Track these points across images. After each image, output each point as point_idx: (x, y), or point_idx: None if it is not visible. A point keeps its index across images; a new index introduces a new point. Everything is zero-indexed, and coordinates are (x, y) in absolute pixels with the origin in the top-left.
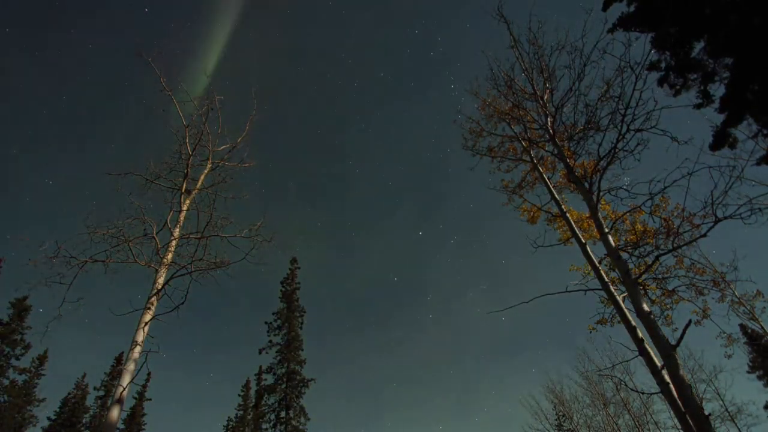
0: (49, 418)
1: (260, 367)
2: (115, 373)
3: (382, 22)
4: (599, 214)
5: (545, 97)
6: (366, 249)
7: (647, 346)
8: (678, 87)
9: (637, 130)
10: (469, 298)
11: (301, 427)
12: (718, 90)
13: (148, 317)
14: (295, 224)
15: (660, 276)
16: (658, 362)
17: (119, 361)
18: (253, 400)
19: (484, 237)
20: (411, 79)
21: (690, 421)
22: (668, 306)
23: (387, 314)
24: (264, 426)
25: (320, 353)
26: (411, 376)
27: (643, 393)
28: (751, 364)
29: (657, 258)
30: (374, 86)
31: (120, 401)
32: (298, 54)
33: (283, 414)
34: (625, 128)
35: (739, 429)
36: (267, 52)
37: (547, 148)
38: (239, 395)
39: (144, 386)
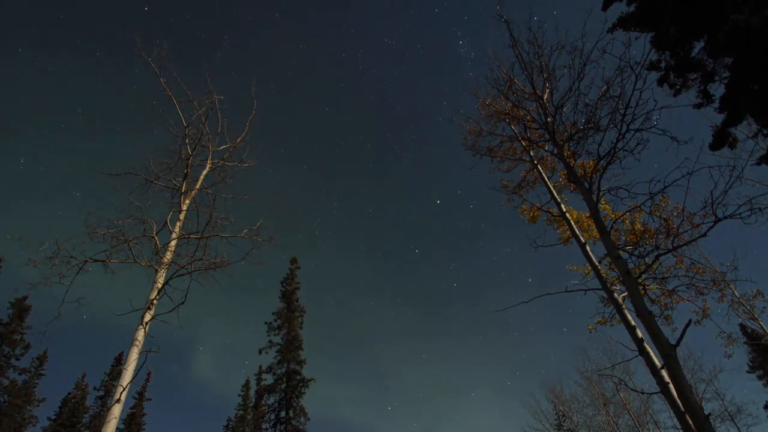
0: (49, 418)
1: (260, 367)
2: (115, 373)
3: None
4: (599, 213)
5: (545, 97)
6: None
7: (647, 346)
8: (678, 87)
9: (637, 130)
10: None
11: (301, 427)
12: (718, 90)
13: (148, 317)
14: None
15: (660, 276)
16: (658, 362)
17: (119, 361)
18: (253, 400)
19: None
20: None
21: (690, 421)
22: (668, 306)
23: None
24: (264, 426)
25: None
26: None
27: (643, 393)
28: (751, 364)
29: (657, 258)
30: None
31: (120, 401)
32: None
33: (283, 414)
34: (625, 128)
35: (739, 429)
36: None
37: (547, 148)
38: (239, 395)
39: (144, 386)
